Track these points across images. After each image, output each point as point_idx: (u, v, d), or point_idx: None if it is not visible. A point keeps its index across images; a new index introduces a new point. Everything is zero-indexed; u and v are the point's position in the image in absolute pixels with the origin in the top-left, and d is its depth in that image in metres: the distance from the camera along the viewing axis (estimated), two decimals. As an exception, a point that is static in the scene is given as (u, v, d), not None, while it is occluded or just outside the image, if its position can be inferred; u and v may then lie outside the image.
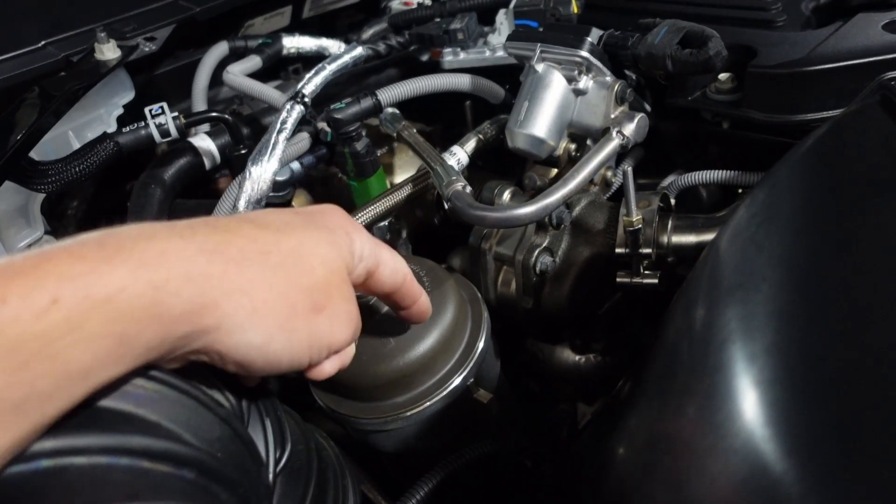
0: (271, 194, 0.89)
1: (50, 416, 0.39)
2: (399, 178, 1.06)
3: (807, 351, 0.40)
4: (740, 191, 0.96)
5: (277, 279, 0.47)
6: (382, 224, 0.94)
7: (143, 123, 0.89)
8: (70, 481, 0.41)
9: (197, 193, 1.11)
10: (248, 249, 0.46)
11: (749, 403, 0.42)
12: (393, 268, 0.59)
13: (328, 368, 0.56)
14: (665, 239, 0.82)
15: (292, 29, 1.31)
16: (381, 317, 0.76)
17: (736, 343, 0.45)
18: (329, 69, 0.96)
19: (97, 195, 1.21)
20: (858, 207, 0.45)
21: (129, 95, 1.05)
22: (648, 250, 0.80)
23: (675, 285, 0.80)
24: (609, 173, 0.94)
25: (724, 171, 0.88)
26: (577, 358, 0.99)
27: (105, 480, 0.42)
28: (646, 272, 0.82)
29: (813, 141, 0.53)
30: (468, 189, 0.80)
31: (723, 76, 0.88)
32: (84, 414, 0.46)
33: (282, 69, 1.25)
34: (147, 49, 0.99)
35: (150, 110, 0.89)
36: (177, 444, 0.46)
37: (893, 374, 0.38)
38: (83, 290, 0.38)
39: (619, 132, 0.81)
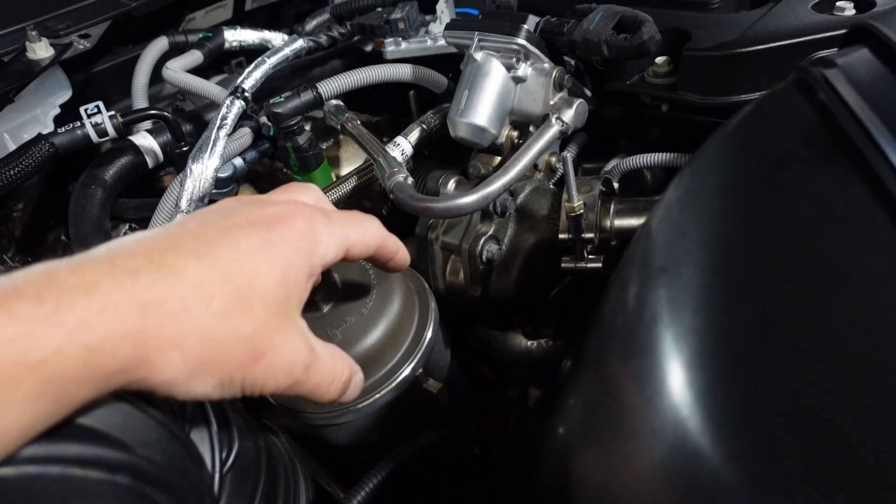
0: (214, 191, 0.88)
1: None
2: (345, 170, 1.05)
3: (726, 332, 0.41)
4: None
5: (216, 330, 0.46)
6: (329, 217, 0.94)
7: (79, 123, 0.88)
8: (-3, 492, 0.41)
9: (143, 191, 1.09)
10: (189, 298, 0.44)
11: (674, 384, 0.42)
12: (364, 244, 0.58)
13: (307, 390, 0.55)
14: (608, 223, 0.83)
15: (235, 22, 1.29)
16: (327, 311, 0.76)
17: (662, 324, 0.45)
18: (269, 63, 0.95)
19: (42, 196, 1.19)
20: (774, 189, 0.46)
21: (66, 95, 1.03)
22: (591, 235, 0.81)
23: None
24: (553, 159, 0.95)
25: (665, 154, 0.89)
26: (529, 343, 1.00)
27: (34, 490, 0.42)
28: (590, 256, 0.83)
29: (734, 124, 0.54)
30: (410, 180, 0.80)
31: (659, 60, 0.89)
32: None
33: (225, 63, 1.23)
34: (81, 47, 0.97)
35: (86, 109, 0.87)
36: (110, 449, 0.46)
37: (809, 352, 0.39)
38: (16, 356, 0.38)
39: (559, 118, 0.82)
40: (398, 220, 1.03)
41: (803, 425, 0.37)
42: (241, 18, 1.31)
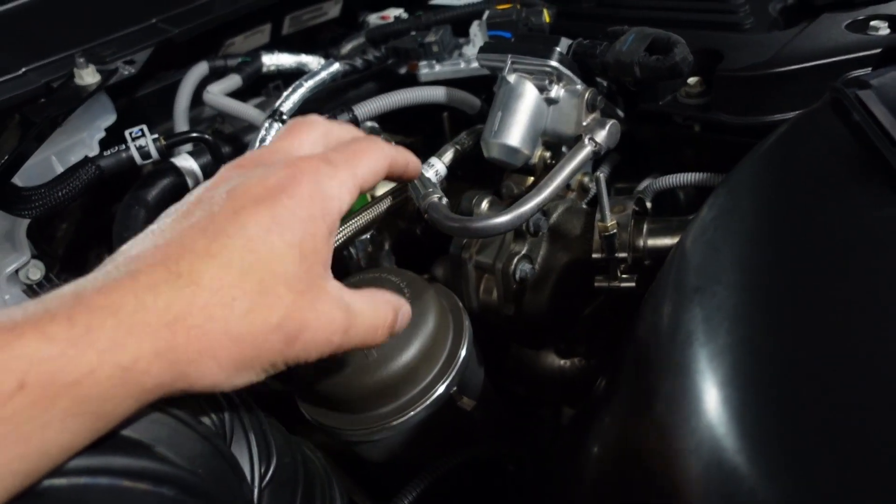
0: (253, 211, 0.90)
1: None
2: (380, 190, 1.07)
3: (761, 350, 0.41)
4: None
5: (245, 330, 0.46)
6: (364, 237, 0.96)
7: (123, 146, 0.90)
8: (56, 499, 0.42)
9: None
10: (212, 305, 0.45)
11: (709, 403, 0.43)
12: (374, 174, 0.57)
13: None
14: (641, 242, 0.84)
15: (273, 46, 1.32)
16: (363, 329, 0.77)
17: (697, 343, 0.46)
18: (306, 86, 0.97)
19: (85, 217, 1.22)
20: (808, 209, 0.46)
21: (110, 118, 1.06)
22: (624, 254, 0.82)
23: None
24: (586, 179, 0.95)
25: (698, 174, 0.89)
26: (562, 362, 1.00)
27: (85, 501, 0.43)
28: (623, 276, 0.83)
29: (768, 144, 0.55)
30: (444, 200, 0.81)
31: (692, 80, 0.89)
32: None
33: (263, 87, 1.26)
34: (126, 73, 1.00)
35: (131, 133, 0.90)
36: (156, 462, 0.48)
37: (845, 371, 0.39)
38: (50, 375, 0.39)
39: (591, 139, 0.83)
40: (433, 239, 1.05)
41: (840, 445, 0.37)
42: (278, 43, 1.34)
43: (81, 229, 1.23)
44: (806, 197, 0.47)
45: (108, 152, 0.90)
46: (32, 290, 1.02)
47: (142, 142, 0.90)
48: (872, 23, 0.83)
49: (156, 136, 0.91)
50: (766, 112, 0.82)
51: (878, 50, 0.78)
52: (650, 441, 0.47)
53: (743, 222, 0.50)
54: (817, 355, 0.40)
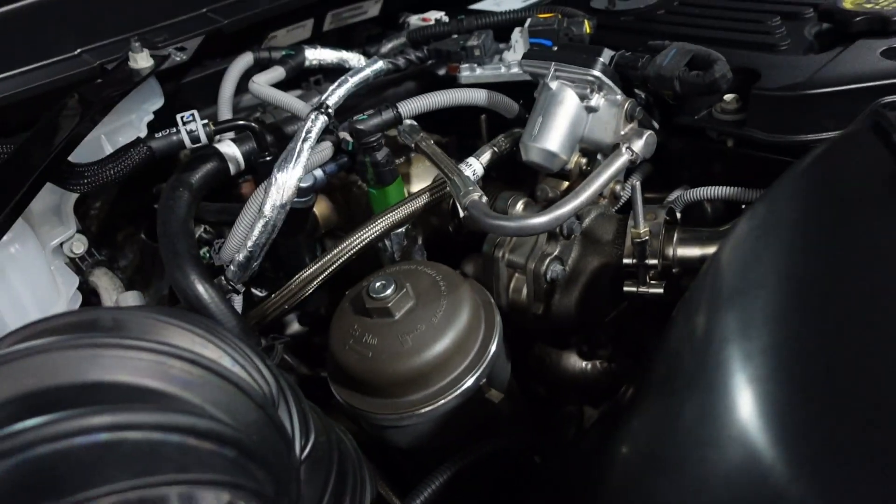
0: (295, 200, 0.93)
1: None
2: (415, 187, 1.10)
3: (799, 350, 0.44)
4: (743, 206, 1.00)
5: None
6: (400, 230, 0.99)
7: (174, 129, 0.94)
8: (127, 453, 0.45)
9: (219, 198, 1.15)
10: None
11: (745, 398, 0.45)
12: None
13: None
14: (671, 251, 0.86)
15: (312, 41, 1.36)
16: (399, 318, 0.80)
17: (734, 344, 0.49)
18: (352, 81, 1.00)
19: (118, 198, 1.25)
20: (849, 223, 0.49)
21: (158, 102, 1.09)
22: (655, 261, 0.84)
23: (678, 295, 0.85)
24: (618, 187, 0.98)
25: (729, 188, 0.92)
26: (584, 364, 1.03)
27: (158, 454, 0.46)
28: (652, 282, 0.86)
29: (809, 161, 0.57)
30: (484, 199, 0.84)
31: (728, 97, 0.92)
32: (134, 393, 0.50)
33: (303, 80, 1.30)
34: (178, 59, 1.03)
35: (182, 117, 0.93)
36: (220, 424, 0.50)
37: (877, 371, 0.42)
38: None
39: (629, 148, 0.86)
40: (464, 237, 1.08)
41: (874, 439, 0.40)
42: (318, 38, 1.37)
43: (112, 210, 1.26)
44: (847, 211, 0.50)
45: (160, 135, 0.93)
46: (74, 264, 1.05)
47: (192, 126, 0.93)
48: (907, 51, 0.86)
49: (205, 121, 0.94)
50: (799, 132, 0.85)
51: (913, 77, 0.81)
52: (685, 434, 0.50)
53: (785, 232, 0.52)
54: (853, 356, 0.43)
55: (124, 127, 1.05)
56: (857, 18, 0.95)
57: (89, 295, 1.07)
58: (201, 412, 0.51)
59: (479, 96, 1.02)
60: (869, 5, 0.97)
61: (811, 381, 0.43)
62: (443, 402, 0.80)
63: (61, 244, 1.02)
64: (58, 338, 0.52)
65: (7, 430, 0.44)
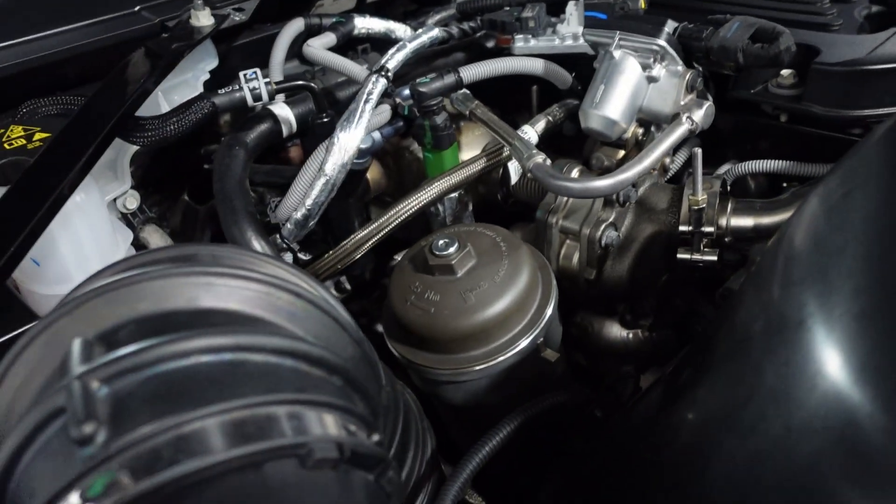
0: (354, 161, 0.95)
1: None
2: (466, 155, 1.11)
3: (881, 308, 0.46)
4: (785, 185, 1.02)
5: None
6: (453, 195, 1.00)
7: (236, 87, 0.95)
8: (249, 372, 0.47)
9: (265, 160, 1.16)
10: None
11: (831, 355, 0.47)
12: None
13: None
14: (724, 220, 0.88)
15: (356, 11, 1.37)
16: (462, 276, 0.82)
17: (814, 307, 0.50)
18: (410, 47, 1.02)
19: (151, 161, 1.26)
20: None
21: (213, 62, 1.11)
22: (711, 228, 0.86)
23: (725, 268, 0.87)
24: (667, 160, 1.00)
25: (783, 161, 0.94)
26: (626, 333, 1.05)
27: (277, 375, 0.48)
28: (705, 249, 0.88)
29: (882, 132, 0.59)
30: (548, 161, 0.86)
31: (785, 72, 0.94)
32: (245, 321, 0.52)
33: (350, 49, 1.31)
34: (237, 18, 1.04)
35: (245, 75, 0.94)
36: (330, 353, 0.52)
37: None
38: None
39: (689, 118, 0.87)
40: (510, 206, 1.09)
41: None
42: (362, 8, 1.38)
43: (148, 172, 1.26)
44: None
45: (223, 91, 0.95)
46: (126, 219, 1.06)
47: (255, 84, 0.95)
48: (962, 32, 0.88)
49: (268, 80, 0.96)
50: (856, 106, 0.87)
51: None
52: (765, 394, 0.52)
53: (862, 200, 0.54)
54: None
55: (181, 85, 1.06)
56: (911, 0, 0.97)
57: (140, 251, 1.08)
58: (314, 342, 0.53)
59: (536, 65, 1.03)
60: (920, -11, 1.00)
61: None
62: (501, 359, 0.81)
63: (114, 199, 1.03)
64: (167, 266, 0.53)
65: (137, 345, 0.45)
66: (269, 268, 0.58)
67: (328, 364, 0.52)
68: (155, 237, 1.07)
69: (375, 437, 0.51)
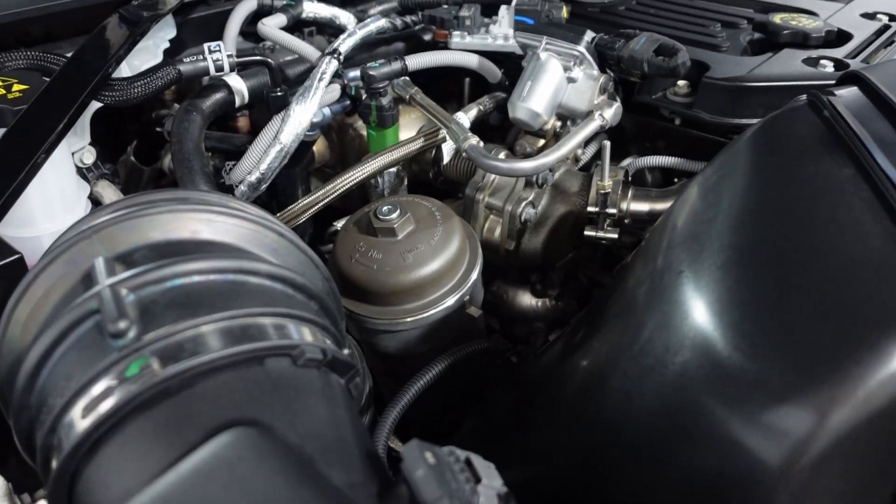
0: (306, 133, 1.05)
1: None
2: (404, 136, 1.23)
3: (744, 263, 0.61)
4: (676, 180, 1.19)
5: None
6: (393, 170, 1.12)
7: (201, 56, 1.03)
8: (249, 291, 0.58)
9: (214, 127, 1.24)
10: None
11: (699, 306, 0.63)
12: None
13: None
14: (625, 205, 1.04)
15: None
16: (402, 238, 0.94)
17: (687, 269, 0.65)
18: (359, 34, 1.13)
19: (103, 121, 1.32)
20: (791, 168, 0.67)
21: (171, 32, 1.18)
22: (614, 210, 1.02)
23: (626, 242, 1.03)
24: (579, 151, 1.15)
25: (674, 158, 1.11)
26: (536, 301, 1.20)
27: (271, 295, 0.59)
28: (608, 228, 1.04)
29: (753, 130, 0.75)
30: (481, 143, 0.99)
31: (681, 83, 1.11)
32: (243, 253, 0.63)
33: (297, 30, 1.40)
34: (201, -8, 1.12)
35: (209, 47, 1.03)
36: (309, 282, 0.63)
37: (808, 268, 0.60)
38: None
39: (601, 115, 1.03)
40: (440, 183, 1.22)
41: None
42: (307, -6, 1.47)
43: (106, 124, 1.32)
44: (789, 161, 0.68)
45: (188, 59, 1.03)
46: (81, 173, 1.12)
47: (217, 56, 1.04)
48: (822, 61, 1.08)
49: (230, 52, 1.05)
50: (736, 116, 1.04)
51: (826, 80, 1.02)
52: (644, 344, 0.66)
53: (732, 182, 0.70)
54: (788, 270, 0.61)
55: (142, 51, 1.13)
56: (785, 31, 1.17)
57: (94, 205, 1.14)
58: (290, 270, 0.64)
59: (472, 60, 1.16)
60: (794, 22, 1.19)
61: (756, 284, 0.61)
62: (432, 311, 0.94)
63: (73, 154, 1.09)
64: (171, 203, 0.63)
65: (156, 263, 0.56)
66: (255, 211, 0.69)
67: (308, 291, 0.63)
68: (108, 192, 1.14)
69: (346, 351, 0.63)
